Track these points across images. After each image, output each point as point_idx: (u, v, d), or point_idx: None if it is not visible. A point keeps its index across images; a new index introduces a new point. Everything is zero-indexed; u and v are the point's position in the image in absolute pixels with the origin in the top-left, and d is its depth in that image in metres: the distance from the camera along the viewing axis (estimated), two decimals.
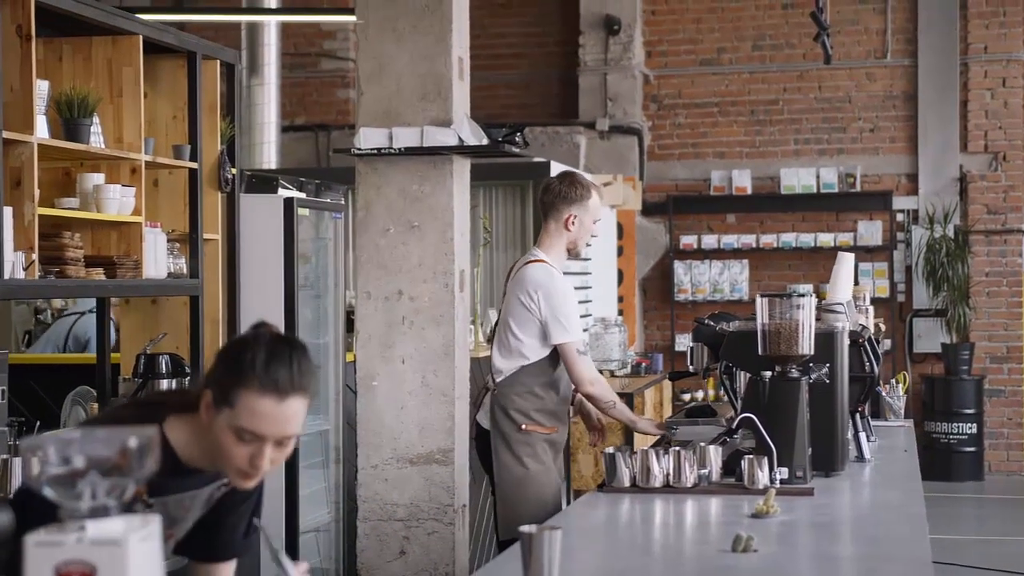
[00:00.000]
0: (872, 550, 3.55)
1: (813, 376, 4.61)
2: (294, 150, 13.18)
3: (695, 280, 13.04)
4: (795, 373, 4.51)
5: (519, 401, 5.19)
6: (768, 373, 4.50)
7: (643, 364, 11.12)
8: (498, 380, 5.25)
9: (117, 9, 5.09)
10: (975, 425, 12.35)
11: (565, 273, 5.37)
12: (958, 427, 12.31)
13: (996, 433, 12.68)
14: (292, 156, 12.97)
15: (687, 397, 11.52)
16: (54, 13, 4.94)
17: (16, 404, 6.38)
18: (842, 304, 5.27)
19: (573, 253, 5.31)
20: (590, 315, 10.44)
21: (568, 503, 6.26)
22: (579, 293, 10.14)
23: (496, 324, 5.55)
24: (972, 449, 12.36)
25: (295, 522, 6.34)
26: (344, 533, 6.78)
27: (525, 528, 2.77)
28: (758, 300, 4.55)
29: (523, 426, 5.17)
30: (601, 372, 10.38)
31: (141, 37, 5.15)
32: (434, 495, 5.72)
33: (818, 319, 5.20)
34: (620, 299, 12.41)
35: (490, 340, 8.55)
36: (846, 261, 5.75)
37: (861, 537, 3.79)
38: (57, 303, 8.69)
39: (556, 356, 5.22)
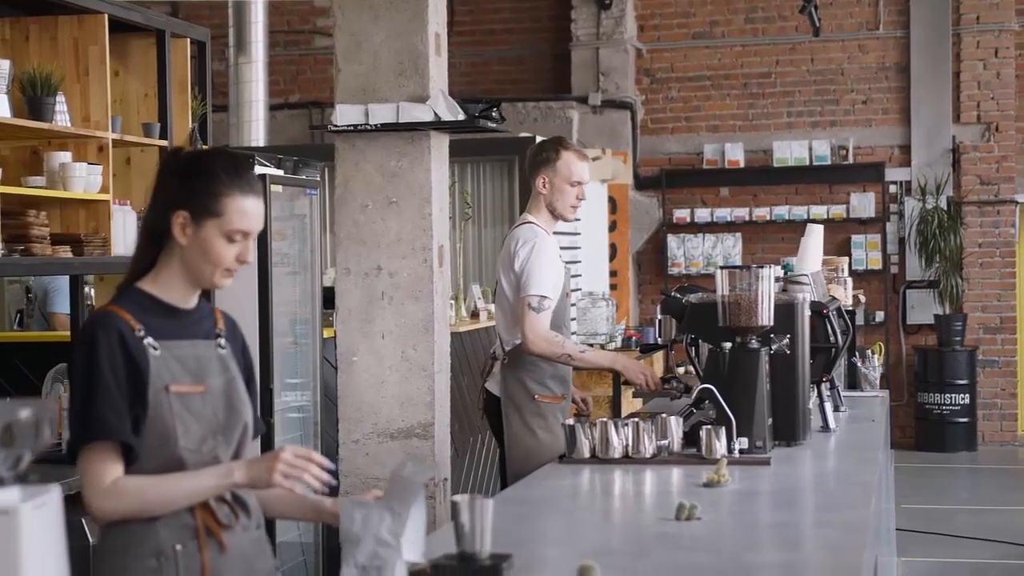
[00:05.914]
0: (811, 517, 3.59)
1: (773, 347, 4.64)
2: (287, 128, 13.20)
3: (689, 254, 13.05)
4: (755, 344, 4.54)
5: (533, 369, 5.25)
6: (728, 344, 4.53)
7: (634, 338, 11.14)
8: (507, 349, 5.30)
9: None
10: (968, 396, 12.37)
11: (562, 247, 5.38)
12: (951, 398, 12.33)
13: (989, 404, 12.69)
14: (285, 134, 12.99)
15: (681, 370, 11.50)
16: None
17: (1, 382, 6.43)
18: (807, 275, 5.30)
19: (557, 215, 5.37)
20: (579, 289, 10.45)
21: None
22: (568, 267, 10.16)
23: (495, 293, 5.60)
24: (965, 420, 12.39)
25: None
26: None
27: (456, 497, 2.81)
28: (717, 272, 4.58)
29: (536, 396, 5.23)
30: (591, 346, 10.50)
31: (106, 16, 5.17)
32: None
33: (784, 290, 5.24)
34: (614, 273, 12.42)
35: (475, 314, 8.62)
36: (815, 233, 5.78)
37: (805, 505, 3.82)
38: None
39: (558, 316, 5.26)
